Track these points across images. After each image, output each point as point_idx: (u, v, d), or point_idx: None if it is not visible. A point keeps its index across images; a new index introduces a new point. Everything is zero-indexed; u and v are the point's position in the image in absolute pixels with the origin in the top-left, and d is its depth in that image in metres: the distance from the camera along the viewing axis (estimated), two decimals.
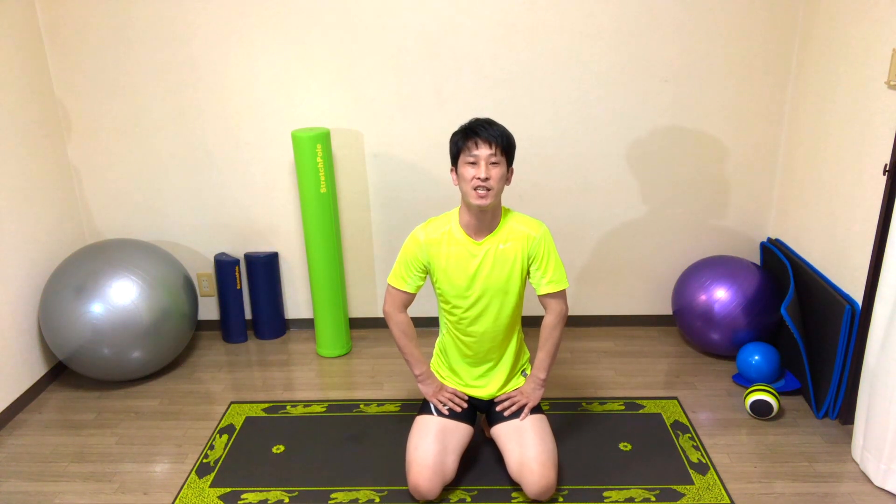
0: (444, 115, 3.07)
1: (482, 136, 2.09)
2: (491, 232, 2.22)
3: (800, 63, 2.94)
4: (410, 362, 2.37)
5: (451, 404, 2.34)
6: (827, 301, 2.62)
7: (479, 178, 2.09)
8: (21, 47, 2.89)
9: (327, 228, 3.06)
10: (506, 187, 2.19)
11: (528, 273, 2.27)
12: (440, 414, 2.32)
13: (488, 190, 2.10)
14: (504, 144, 2.12)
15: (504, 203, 2.28)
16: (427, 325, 3.03)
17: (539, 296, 2.29)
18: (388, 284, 2.33)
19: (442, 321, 2.41)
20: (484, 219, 2.19)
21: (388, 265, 3.26)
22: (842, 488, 2.30)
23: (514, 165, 2.24)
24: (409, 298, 2.34)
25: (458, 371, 2.41)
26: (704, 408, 2.77)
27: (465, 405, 2.36)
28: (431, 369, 2.46)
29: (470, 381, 2.40)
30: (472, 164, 2.11)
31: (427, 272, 2.30)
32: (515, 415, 2.31)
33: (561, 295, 2.28)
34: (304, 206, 3.03)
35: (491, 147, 2.09)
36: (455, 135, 2.17)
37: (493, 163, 2.10)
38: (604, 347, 3.27)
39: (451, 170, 2.21)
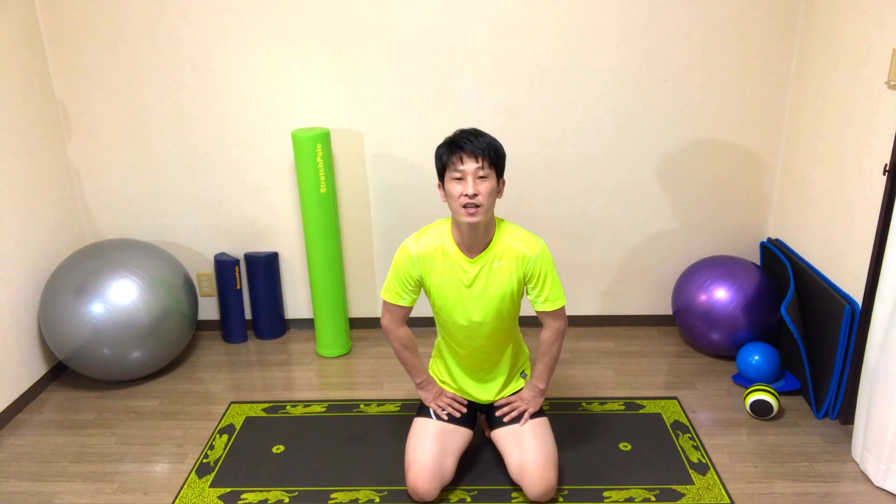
0: (444, 116, 3.07)
1: (467, 149, 1.98)
2: (485, 248, 2.12)
3: (800, 63, 2.94)
4: (411, 372, 2.35)
5: (450, 409, 2.33)
6: (827, 301, 2.62)
7: (466, 195, 1.97)
8: (21, 47, 2.89)
9: (327, 228, 3.06)
10: (498, 199, 2.11)
11: (526, 290, 2.21)
12: (439, 419, 2.31)
13: (477, 206, 1.98)
14: (492, 156, 2.00)
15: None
16: (427, 326, 3.02)
17: (537, 312, 2.23)
18: (384, 300, 2.26)
19: (438, 329, 2.38)
20: (476, 236, 2.09)
21: (388, 265, 3.26)
22: (842, 488, 2.30)
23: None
24: (407, 311, 2.27)
25: (455, 376, 2.39)
26: (704, 408, 2.77)
27: (465, 410, 2.35)
28: (431, 374, 2.45)
29: (468, 387, 2.38)
30: (459, 179, 2.00)
31: (421, 286, 2.23)
32: (516, 420, 2.30)
33: (559, 312, 2.21)
34: (304, 206, 3.03)
35: (478, 160, 1.98)
36: (439, 148, 2.06)
37: (481, 177, 1.99)
38: (604, 347, 3.27)
39: (439, 186, 2.10)
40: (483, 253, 2.12)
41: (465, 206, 1.99)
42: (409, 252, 2.16)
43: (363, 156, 3.18)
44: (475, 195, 1.98)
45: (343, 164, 3.19)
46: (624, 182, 3.19)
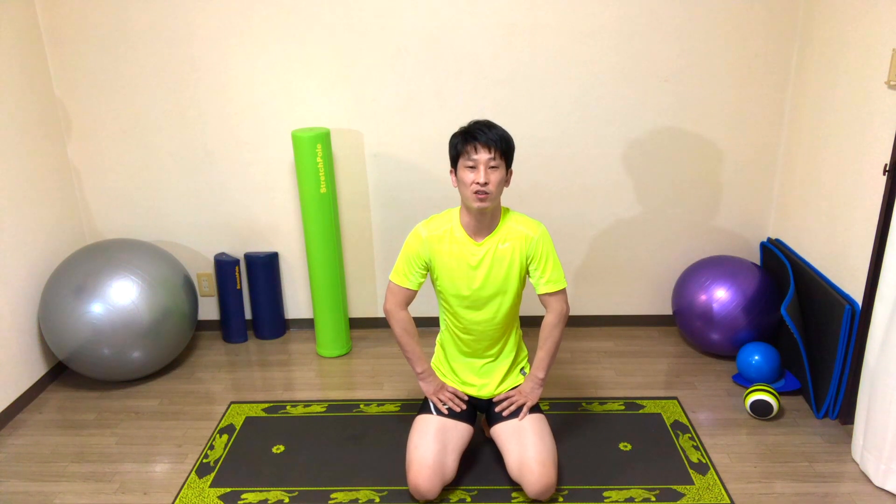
0: (444, 115, 3.07)
1: (481, 140, 2.10)
2: (490, 232, 2.23)
3: (800, 63, 2.94)
4: (412, 360, 2.38)
5: (450, 404, 2.35)
6: (827, 301, 2.62)
7: (478, 183, 2.10)
8: (21, 47, 2.89)
9: (327, 228, 3.06)
10: (506, 188, 2.20)
11: (528, 272, 2.28)
12: (440, 413, 2.32)
13: (487, 194, 2.11)
14: (503, 148, 2.12)
15: (504, 203, 2.29)
16: (427, 325, 3.03)
17: (539, 295, 2.30)
18: (390, 281, 2.33)
19: (442, 317, 2.42)
20: (483, 220, 2.21)
21: (388, 265, 3.27)
22: (842, 488, 2.30)
23: (514, 165, 2.24)
24: (411, 295, 2.34)
25: (456, 368, 2.41)
26: (704, 408, 2.77)
27: (465, 405, 2.37)
28: (432, 367, 2.47)
29: (468, 378, 2.40)
30: (472, 168, 2.12)
31: (428, 269, 2.31)
32: (514, 414, 2.32)
33: (560, 294, 2.29)
34: (304, 206, 3.03)
35: (490, 151, 2.10)
36: (454, 137, 2.17)
37: (493, 167, 2.11)
38: (604, 347, 3.27)
39: (451, 172, 2.22)
40: (489, 236, 2.23)
41: (476, 193, 2.11)
42: (420, 235, 2.27)
43: (363, 156, 3.18)
44: (486, 183, 2.10)
45: (343, 164, 3.19)
46: (623, 182, 3.19)
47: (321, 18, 2.97)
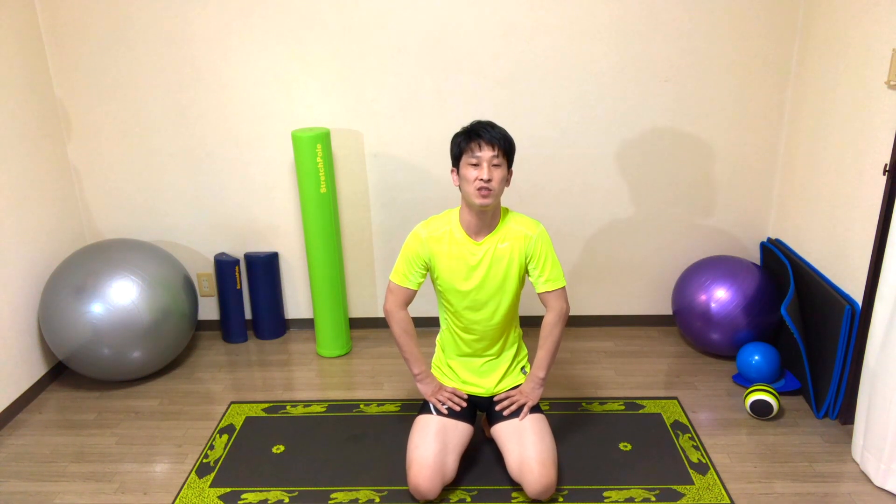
0: (443, 116, 3.07)
1: (485, 137, 2.13)
2: (490, 232, 2.25)
3: (800, 63, 2.94)
4: (409, 360, 2.38)
5: (450, 403, 2.35)
6: (827, 301, 2.62)
7: (481, 180, 2.12)
8: (21, 47, 2.89)
9: (327, 228, 3.06)
10: (506, 188, 2.22)
11: (528, 272, 2.29)
12: (439, 413, 2.32)
13: (490, 191, 2.13)
14: (505, 147, 2.16)
15: (504, 203, 2.30)
16: (427, 325, 3.03)
17: (538, 294, 2.31)
18: (390, 281, 2.35)
19: (442, 316, 2.43)
20: (484, 219, 2.22)
21: (388, 265, 3.27)
22: (842, 488, 2.30)
23: (515, 165, 2.26)
24: (411, 295, 2.35)
25: (456, 368, 2.42)
26: (704, 408, 2.77)
27: (465, 404, 2.37)
28: (431, 367, 2.47)
29: (468, 377, 2.41)
30: (475, 165, 2.14)
31: (428, 269, 2.32)
32: (515, 414, 2.32)
33: (560, 293, 2.30)
34: (304, 206, 3.03)
35: (493, 149, 2.13)
36: (457, 136, 2.20)
37: (495, 164, 2.14)
38: (604, 347, 3.27)
39: (452, 170, 2.24)
40: (488, 236, 2.25)
41: (479, 190, 2.14)
42: (420, 235, 2.28)
43: (363, 156, 3.18)
44: (489, 180, 2.12)
45: (343, 164, 3.19)
46: (624, 182, 3.19)
47: (321, 18, 2.97)
